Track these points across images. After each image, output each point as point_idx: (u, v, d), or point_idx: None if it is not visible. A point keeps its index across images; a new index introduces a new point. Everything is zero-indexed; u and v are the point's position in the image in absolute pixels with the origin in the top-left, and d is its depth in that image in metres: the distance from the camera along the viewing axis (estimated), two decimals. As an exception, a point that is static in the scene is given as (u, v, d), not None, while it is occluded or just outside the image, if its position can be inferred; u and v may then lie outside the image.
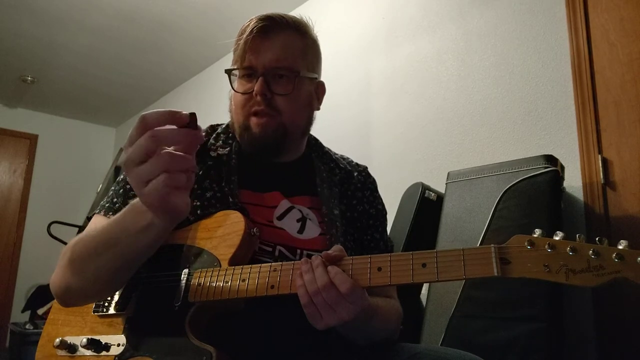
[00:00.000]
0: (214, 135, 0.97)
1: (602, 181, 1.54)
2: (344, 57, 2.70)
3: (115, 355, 0.77)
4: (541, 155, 1.49)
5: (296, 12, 3.62)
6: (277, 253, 0.84)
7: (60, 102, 4.85)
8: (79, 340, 0.81)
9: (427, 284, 1.65)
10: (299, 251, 0.85)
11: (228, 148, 0.93)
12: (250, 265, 0.74)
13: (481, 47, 2.01)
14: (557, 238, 0.58)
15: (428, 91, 2.20)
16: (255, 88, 0.85)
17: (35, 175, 5.00)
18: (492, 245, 0.60)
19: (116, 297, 0.82)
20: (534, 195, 1.42)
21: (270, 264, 0.73)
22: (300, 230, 0.87)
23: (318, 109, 0.98)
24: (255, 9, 3.45)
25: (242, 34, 0.87)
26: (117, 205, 0.86)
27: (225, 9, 3.15)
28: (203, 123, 1.15)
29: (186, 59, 3.86)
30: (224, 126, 0.99)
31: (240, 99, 0.89)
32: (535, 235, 0.59)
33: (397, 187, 1.91)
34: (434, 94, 2.18)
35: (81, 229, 3.05)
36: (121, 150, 4.95)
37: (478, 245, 1.46)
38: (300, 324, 0.71)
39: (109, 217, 0.84)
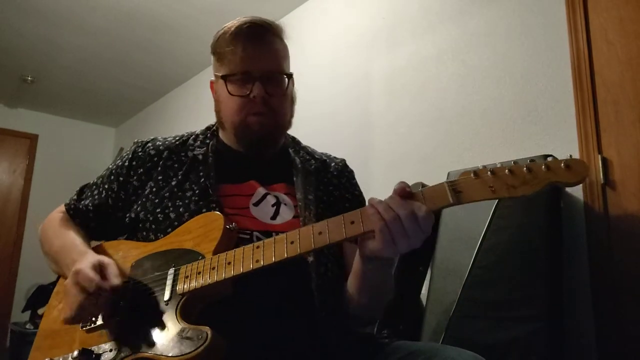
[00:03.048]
0: (192, 136, 1.05)
1: (602, 181, 1.54)
2: (344, 57, 2.70)
3: None
4: (541, 155, 1.49)
5: (297, 12, 3.59)
6: (254, 239, 0.89)
7: (60, 102, 4.84)
8: (69, 356, 0.82)
9: (427, 284, 1.65)
10: (274, 234, 0.89)
11: (205, 148, 1.00)
12: (233, 250, 0.78)
13: (481, 47, 2.01)
14: (497, 165, 0.68)
15: (428, 91, 2.20)
16: (255, 92, 0.93)
17: (35, 175, 4.99)
18: (444, 182, 0.71)
19: (103, 310, 0.82)
20: (534, 195, 1.42)
21: (252, 243, 0.78)
22: (274, 216, 0.93)
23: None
24: (256, 8, 3.41)
25: (232, 38, 0.96)
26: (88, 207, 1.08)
27: (226, 8, 3.14)
28: (203, 123, 1.16)
29: (187, 58, 3.86)
30: (203, 129, 1.08)
31: (237, 101, 0.96)
32: (479, 167, 0.69)
33: (397, 187, 1.90)
34: (434, 94, 2.17)
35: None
36: (121, 149, 4.95)
37: (477, 246, 1.47)
38: (291, 305, 0.77)
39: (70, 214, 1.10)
